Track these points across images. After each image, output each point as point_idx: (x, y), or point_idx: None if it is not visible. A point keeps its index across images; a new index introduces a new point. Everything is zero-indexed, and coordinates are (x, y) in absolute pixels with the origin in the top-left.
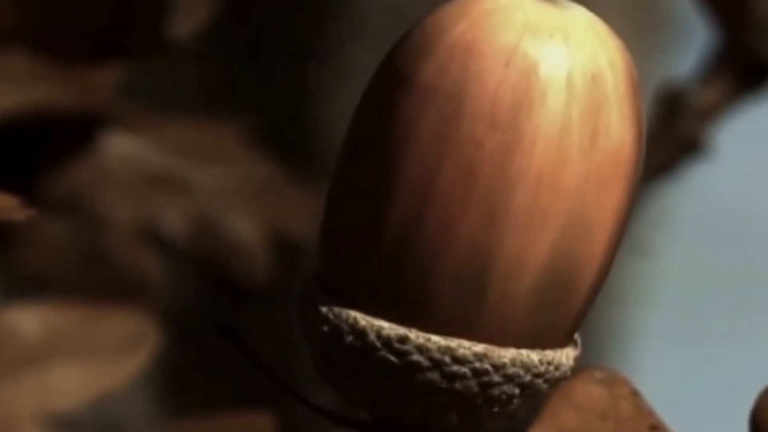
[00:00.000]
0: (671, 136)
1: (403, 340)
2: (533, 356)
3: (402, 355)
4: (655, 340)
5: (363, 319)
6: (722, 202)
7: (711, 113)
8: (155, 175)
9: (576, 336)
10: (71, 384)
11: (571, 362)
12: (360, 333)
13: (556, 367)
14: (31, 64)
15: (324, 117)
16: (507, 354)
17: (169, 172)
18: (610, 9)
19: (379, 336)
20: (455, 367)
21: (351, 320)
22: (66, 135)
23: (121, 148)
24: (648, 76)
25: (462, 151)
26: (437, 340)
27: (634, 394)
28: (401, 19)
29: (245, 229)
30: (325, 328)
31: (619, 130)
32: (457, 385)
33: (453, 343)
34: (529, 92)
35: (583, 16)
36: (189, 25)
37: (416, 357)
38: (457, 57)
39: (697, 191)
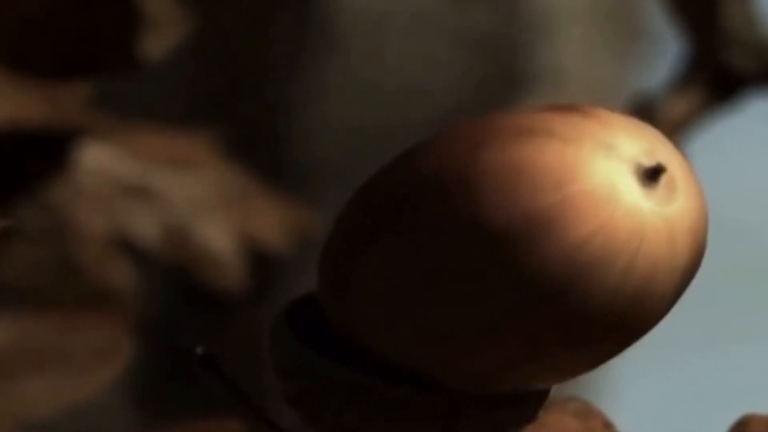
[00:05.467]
0: None
1: (367, 391)
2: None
3: (361, 404)
4: (638, 349)
5: (325, 364)
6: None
7: (682, 124)
8: (127, 184)
9: None
10: (45, 394)
11: (542, 408)
12: (320, 379)
13: (528, 420)
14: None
15: (298, 128)
16: (474, 412)
17: (140, 182)
18: (581, 21)
19: (341, 380)
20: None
21: (312, 364)
22: (38, 151)
23: (92, 157)
24: (619, 87)
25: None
26: (399, 392)
27: (608, 426)
28: (377, 33)
29: (218, 239)
30: (286, 365)
31: (666, 294)
32: None
33: (417, 396)
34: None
35: (675, 218)
36: (163, 41)
37: (374, 407)
38: (532, 228)
39: None
